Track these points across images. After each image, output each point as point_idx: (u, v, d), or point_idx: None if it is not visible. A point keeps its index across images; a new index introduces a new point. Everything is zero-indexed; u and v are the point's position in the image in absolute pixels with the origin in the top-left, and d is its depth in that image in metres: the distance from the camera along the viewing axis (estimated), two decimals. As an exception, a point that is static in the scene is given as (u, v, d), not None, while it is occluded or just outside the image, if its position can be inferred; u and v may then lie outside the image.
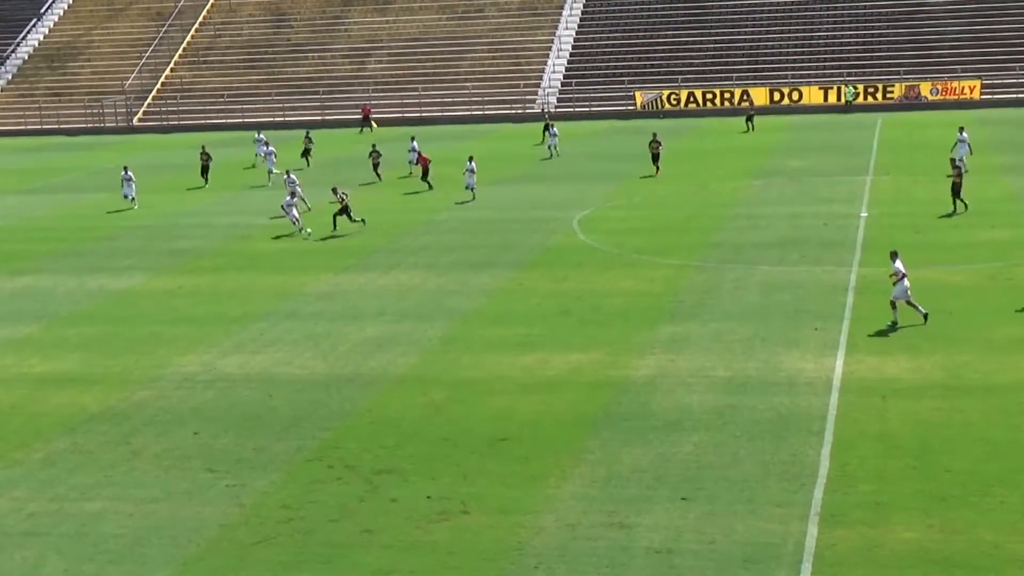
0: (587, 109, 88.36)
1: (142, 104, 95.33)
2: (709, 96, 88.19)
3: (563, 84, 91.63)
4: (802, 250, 42.68)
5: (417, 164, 61.12)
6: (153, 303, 39.88)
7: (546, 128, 71.43)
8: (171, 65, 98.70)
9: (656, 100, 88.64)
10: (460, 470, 24.70)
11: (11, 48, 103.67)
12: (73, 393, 30.90)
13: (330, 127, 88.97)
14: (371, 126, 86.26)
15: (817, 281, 38.35)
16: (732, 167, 62.81)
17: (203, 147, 65.19)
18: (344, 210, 49.07)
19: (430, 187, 58.40)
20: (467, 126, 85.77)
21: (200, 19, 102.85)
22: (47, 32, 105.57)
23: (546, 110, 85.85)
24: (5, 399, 30.77)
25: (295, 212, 49.58)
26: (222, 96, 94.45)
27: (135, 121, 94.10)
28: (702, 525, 21.65)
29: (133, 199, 57.48)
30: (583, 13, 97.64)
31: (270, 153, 63.61)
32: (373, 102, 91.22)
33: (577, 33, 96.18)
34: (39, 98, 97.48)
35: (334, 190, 50.70)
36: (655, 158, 59.98)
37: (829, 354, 30.88)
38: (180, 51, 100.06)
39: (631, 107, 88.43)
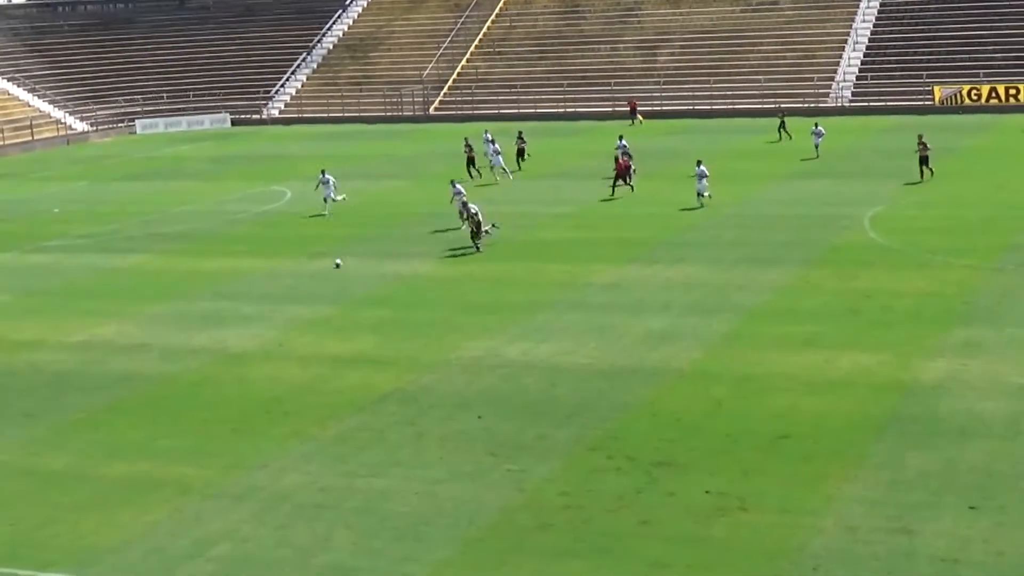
0: (882, 104, 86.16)
1: (438, 93, 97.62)
2: (1012, 92, 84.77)
3: (858, 78, 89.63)
4: (1109, 254, 40.67)
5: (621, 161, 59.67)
6: (442, 289, 40.86)
7: (809, 129, 69.33)
8: (467, 55, 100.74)
9: (955, 95, 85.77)
10: (740, 467, 24.54)
11: (317, 39, 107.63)
12: (366, 373, 31.99)
13: (619, 119, 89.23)
14: (638, 119, 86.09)
15: (1124, 287, 36.50)
16: (1035, 166, 60.25)
17: (465, 139, 65.83)
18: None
19: (631, 188, 56.16)
20: (755, 120, 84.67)
21: (496, 11, 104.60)
22: (351, 23, 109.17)
23: (780, 107, 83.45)
24: (302, 377, 32.09)
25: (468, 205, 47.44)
26: (515, 86, 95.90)
27: (431, 110, 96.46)
28: (991, 535, 20.94)
29: (330, 200, 55.17)
30: (881, 5, 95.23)
31: (496, 152, 63.34)
32: (663, 94, 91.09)
33: (875, 25, 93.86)
34: (341, 87, 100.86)
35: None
36: (923, 161, 57.20)
37: None
38: (476, 42, 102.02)
39: (929, 102, 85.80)
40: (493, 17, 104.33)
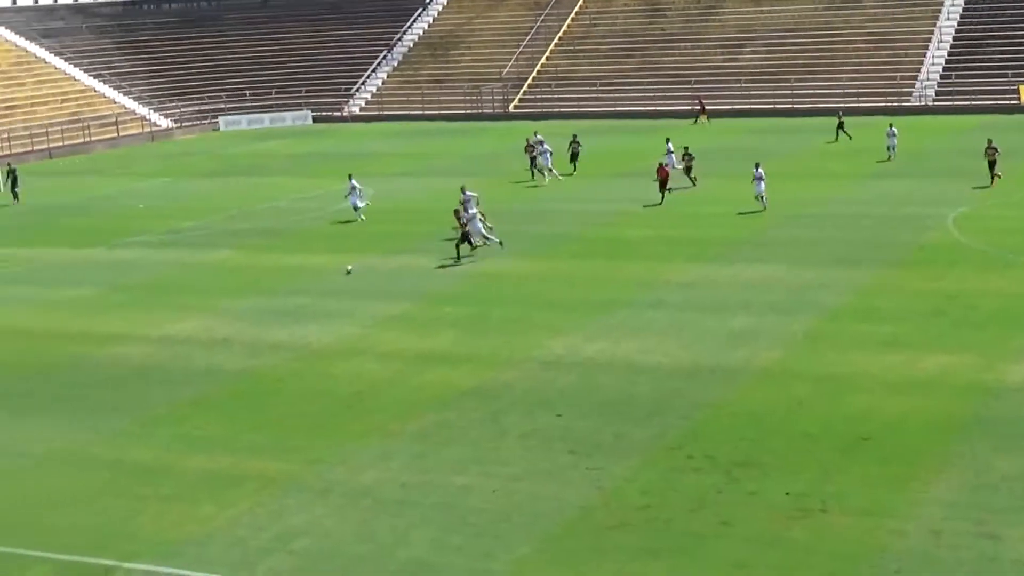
0: (967, 103, 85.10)
1: (518, 91, 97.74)
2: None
3: (942, 76, 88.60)
4: None
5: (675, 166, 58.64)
6: (522, 286, 40.92)
7: (882, 130, 68.25)
8: (547, 53, 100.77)
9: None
10: (821, 468, 24.37)
11: (398, 36, 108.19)
12: (446, 370, 32.12)
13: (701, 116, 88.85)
14: (702, 119, 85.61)
15: None
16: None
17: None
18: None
19: (663, 197, 54.59)
20: (831, 119, 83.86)
21: (576, 9, 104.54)
22: (432, 21, 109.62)
23: (840, 106, 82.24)
24: (383, 373, 32.29)
25: (479, 225, 46.04)
26: (595, 84, 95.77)
27: (511, 108, 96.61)
28: (1078, 542, 20.65)
29: (358, 208, 53.99)
30: (966, 2, 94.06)
31: (546, 152, 63.02)
32: (746, 93, 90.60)
33: (959, 23, 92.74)
34: (422, 84, 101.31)
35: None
36: (991, 166, 55.80)
37: None
38: (556, 40, 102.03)
39: (1014, 102, 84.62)
40: (573, 15, 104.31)
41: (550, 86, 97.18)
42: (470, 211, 46.24)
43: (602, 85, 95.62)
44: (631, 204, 54.20)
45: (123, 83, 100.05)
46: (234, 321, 38.36)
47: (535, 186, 60.88)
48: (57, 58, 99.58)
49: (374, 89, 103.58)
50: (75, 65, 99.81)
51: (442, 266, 44.27)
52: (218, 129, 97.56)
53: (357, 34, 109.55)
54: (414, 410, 29.17)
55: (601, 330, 35.00)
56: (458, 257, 44.40)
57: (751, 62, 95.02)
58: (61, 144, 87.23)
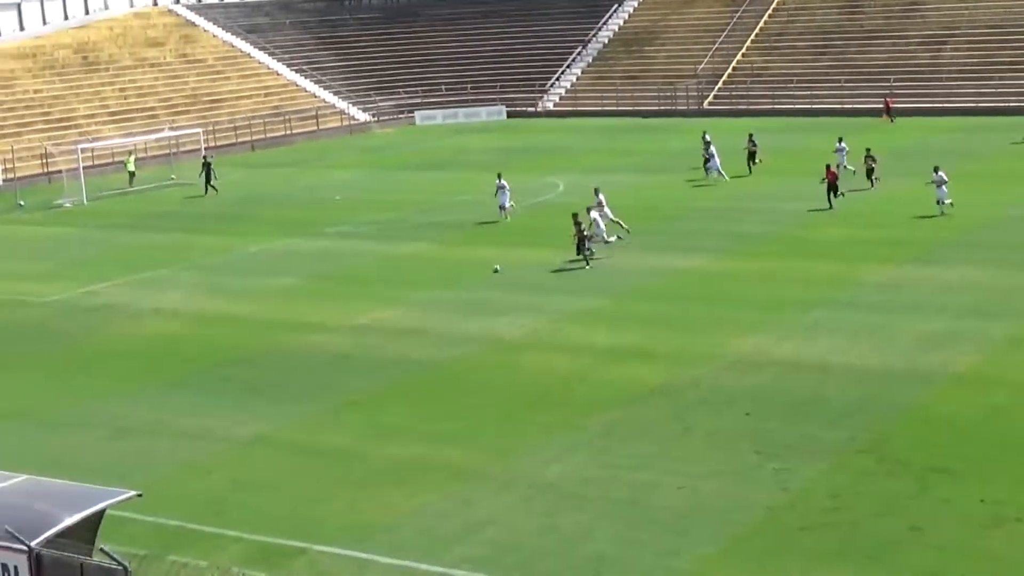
0: None
1: (713, 88, 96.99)
2: None
3: None
4: None
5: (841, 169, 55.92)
6: (714, 284, 40.65)
7: None
8: (743, 50, 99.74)
9: None
10: (1018, 476, 23.72)
11: (593, 32, 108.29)
12: (633, 367, 32.11)
13: (900, 115, 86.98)
14: (889, 118, 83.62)
15: None
16: None
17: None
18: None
19: (831, 203, 52.22)
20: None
21: (773, 5, 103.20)
22: (627, 17, 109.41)
23: None
24: (571, 367, 32.44)
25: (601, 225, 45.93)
26: (791, 81, 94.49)
27: (706, 104, 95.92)
28: None
29: (504, 208, 53.50)
30: None
31: (712, 156, 61.66)
32: (948, 90, 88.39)
33: None
34: (616, 81, 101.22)
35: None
36: None
37: None
38: (752, 36, 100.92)
39: None
40: (770, 11, 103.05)
41: (745, 83, 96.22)
42: (592, 214, 45.59)
43: (799, 82, 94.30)
44: (825, 203, 53.31)
45: (323, 78, 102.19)
46: (427, 312, 38.94)
47: (723, 184, 60.31)
48: (261, 53, 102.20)
49: (568, 85, 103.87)
50: (278, 60, 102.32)
51: (631, 263, 44.25)
52: (414, 123, 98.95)
53: (553, 30, 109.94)
54: (600, 405, 29.23)
55: (792, 330, 34.57)
56: (587, 260, 43.81)
57: (953, 59, 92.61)
58: (263, 137, 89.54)
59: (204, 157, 69.24)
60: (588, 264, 43.59)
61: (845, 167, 57.97)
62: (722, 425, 27.53)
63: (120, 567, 17.14)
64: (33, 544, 17.83)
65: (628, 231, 47.44)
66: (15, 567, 18.00)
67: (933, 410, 27.72)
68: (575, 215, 44.52)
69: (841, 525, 22.15)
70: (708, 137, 64.05)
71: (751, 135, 64.10)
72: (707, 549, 21.53)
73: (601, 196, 48.93)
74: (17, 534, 17.81)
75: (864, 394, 28.96)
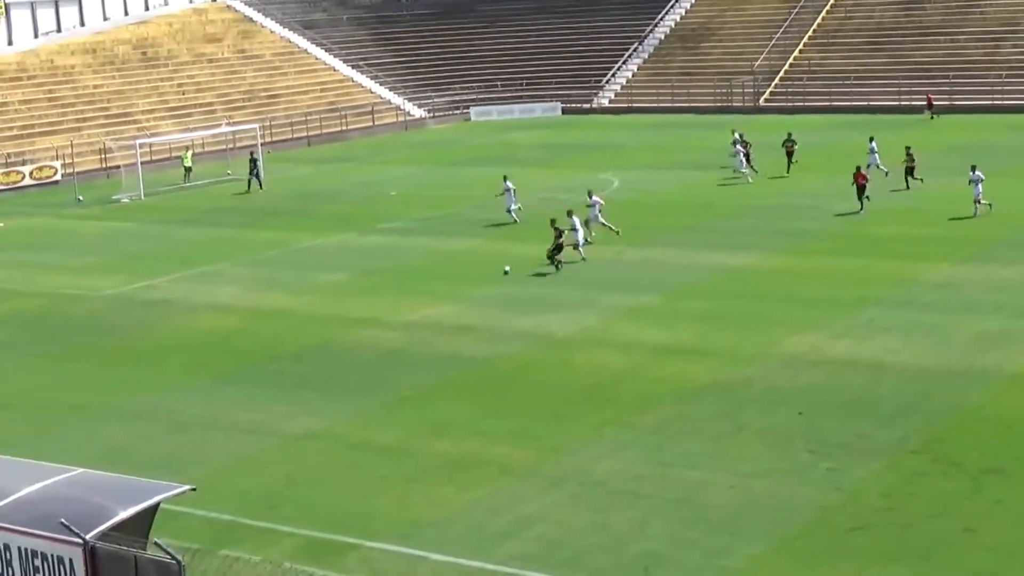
0: None
1: (769, 84, 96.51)
2: None
3: None
4: None
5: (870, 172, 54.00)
6: (766, 282, 40.47)
7: None
8: (800, 46, 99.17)
9: None
10: (1074, 479, 23.47)
11: (649, 28, 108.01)
12: (685, 364, 32.03)
13: (958, 112, 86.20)
14: (931, 114, 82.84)
15: None
16: None
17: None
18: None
19: (862, 205, 51.14)
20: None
21: (831, 1, 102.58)
22: (683, 13, 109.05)
23: None
24: (622, 364, 32.40)
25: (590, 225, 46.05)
26: (847, 78, 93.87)
27: (761, 101, 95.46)
28: None
29: (511, 211, 52.57)
30: None
31: (738, 153, 61.11)
32: (1006, 88, 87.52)
33: None
34: (672, 77, 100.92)
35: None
36: None
37: None
38: (810, 33, 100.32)
39: None
40: (828, 7, 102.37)
41: (802, 79, 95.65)
42: (573, 219, 44.62)
43: (856, 79, 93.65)
44: (880, 200, 52.93)
45: (380, 73, 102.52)
46: (478, 308, 39.01)
47: (778, 181, 59.98)
48: (318, 49, 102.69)
49: (624, 81, 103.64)
50: (334, 56, 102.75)
51: (683, 259, 44.14)
52: (469, 119, 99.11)
53: (609, 26, 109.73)
54: (652, 402, 29.18)
55: (846, 328, 34.37)
56: (556, 266, 43.36)
57: (1011, 56, 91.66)
58: (319, 132, 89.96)
59: (251, 153, 69.69)
60: (558, 269, 43.39)
61: (878, 167, 57.27)
62: (775, 423, 27.42)
63: (174, 561, 17.27)
64: (88, 537, 18.01)
65: (618, 233, 47.29)
66: (70, 560, 18.18)
67: (988, 410, 27.48)
68: (553, 220, 44.22)
69: (894, 526, 22.00)
70: (739, 135, 63.43)
71: (790, 133, 63.57)
72: (758, 548, 21.45)
73: (596, 197, 48.79)
74: (72, 527, 18.00)
75: (918, 393, 28.75)
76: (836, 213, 50.89)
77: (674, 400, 29.27)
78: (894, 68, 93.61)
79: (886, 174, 56.70)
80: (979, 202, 48.39)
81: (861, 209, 50.74)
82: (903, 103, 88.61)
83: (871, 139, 60.14)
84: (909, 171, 55.61)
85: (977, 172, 48.69)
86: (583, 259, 44.00)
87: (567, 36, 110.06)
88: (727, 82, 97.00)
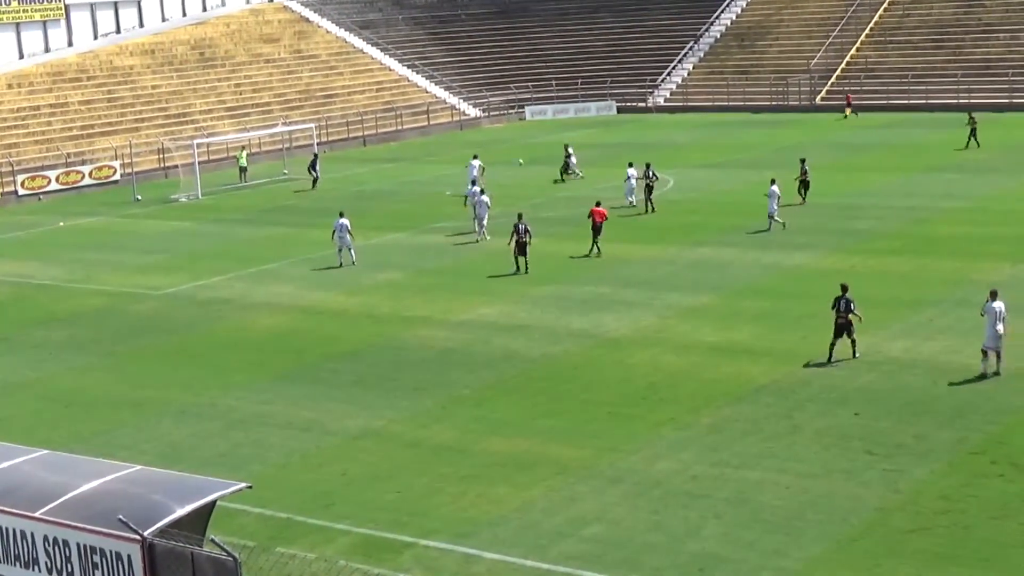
0: None
1: (826, 83, 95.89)
2: None
3: None
4: None
5: None
6: (824, 281, 40.05)
7: None
8: (857, 44, 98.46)
9: None
10: None
11: (705, 27, 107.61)
12: (743, 364, 31.88)
13: (1016, 110, 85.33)
14: (849, 112, 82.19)
15: None
16: None
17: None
18: None
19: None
20: None
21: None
22: (739, 11, 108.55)
23: None
24: (679, 364, 32.29)
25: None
26: (906, 76, 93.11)
27: (818, 100, 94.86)
28: None
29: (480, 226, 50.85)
30: None
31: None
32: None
33: None
34: (727, 75, 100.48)
35: None
36: None
37: None
38: (867, 31, 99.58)
39: None
40: (885, 6, 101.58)
41: (859, 78, 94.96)
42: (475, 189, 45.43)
43: (914, 77, 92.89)
44: (945, 200, 52.46)
45: (435, 73, 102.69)
46: (534, 307, 38.99)
47: (832, 181, 59.49)
48: (374, 48, 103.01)
49: (679, 80, 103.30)
50: (390, 55, 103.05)
51: (740, 259, 43.93)
52: (524, 119, 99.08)
53: (664, 25, 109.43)
54: (709, 402, 29.07)
55: (905, 329, 34.09)
56: (521, 268, 43.82)
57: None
58: (375, 132, 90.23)
59: (314, 153, 70.03)
60: (527, 271, 43.57)
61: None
62: (832, 424, 27.24)
63: (231, 558, 17.38)
64: (146, 534, 18.16)
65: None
66: (128, 556, 18.34)
67: (1049, 412, 27.19)
68: (520, 215, 44.73)
69: (953, 528, 21.81)
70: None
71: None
72: (815, 549, 21.32)
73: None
74: (131, 524, 18.15)
75: (977, 394, 28.48)
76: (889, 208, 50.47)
77: (731, 400, 29.14)
78: (952, 65, 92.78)
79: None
80: (772, 216, 48.45)
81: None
82: (962, 101, 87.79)
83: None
84: (803, 184, 54.38)
85: (774, 187, 48.59)
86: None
87: (622, 35, 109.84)
88: (783, 81, 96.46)
